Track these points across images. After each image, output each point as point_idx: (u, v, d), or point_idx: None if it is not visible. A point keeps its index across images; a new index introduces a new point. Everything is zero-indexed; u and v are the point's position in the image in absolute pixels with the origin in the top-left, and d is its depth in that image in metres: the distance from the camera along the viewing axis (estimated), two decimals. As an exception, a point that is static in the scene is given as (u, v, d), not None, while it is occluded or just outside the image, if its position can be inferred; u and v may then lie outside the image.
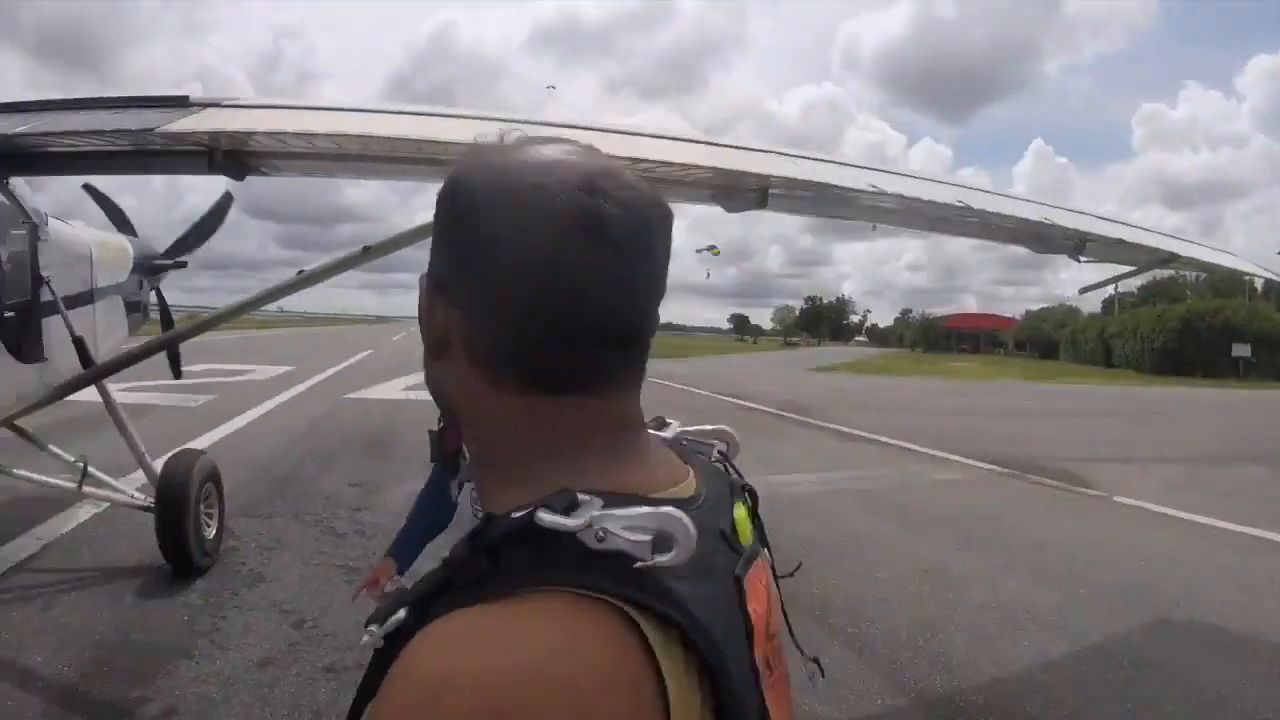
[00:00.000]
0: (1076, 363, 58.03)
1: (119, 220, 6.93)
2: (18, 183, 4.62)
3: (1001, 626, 4.74)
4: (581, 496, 0.56)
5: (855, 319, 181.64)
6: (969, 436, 12.98)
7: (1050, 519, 7.78)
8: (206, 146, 3.44)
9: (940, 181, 3.70)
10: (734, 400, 18.24)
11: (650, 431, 0.77)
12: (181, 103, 3.56)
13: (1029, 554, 6.36)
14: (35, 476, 5.09)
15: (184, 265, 7.25)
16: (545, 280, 0.61)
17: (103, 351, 5.47)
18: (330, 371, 20.48)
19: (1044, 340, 77.88)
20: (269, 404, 12.30)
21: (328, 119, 3.53)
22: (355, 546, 5.69)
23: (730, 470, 0.81)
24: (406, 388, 14.85)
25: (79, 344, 4.79)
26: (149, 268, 6.79)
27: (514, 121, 3.82)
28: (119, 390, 5.78)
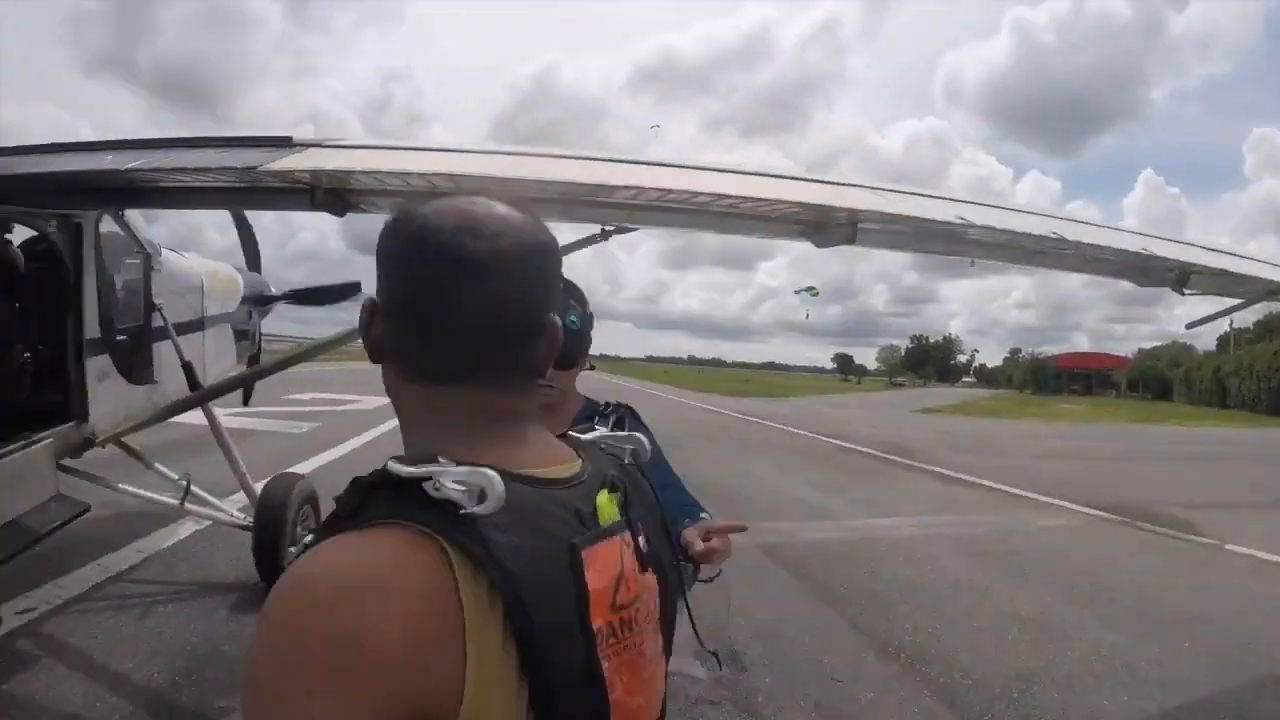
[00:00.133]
0: (1190, 403, 55.40)
1: (253, 253, 7.34)
2: (133, 215, 4.91)
3: (1100, 680, 4.53)
4: (442, 460, 0.76)
5: (962, 359, 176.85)
6: (1075, 481, 12.53)
7: (1157, 568, 7.43)
8: (309, 184, 3.55)
9: (1034, 213, 3.58)
10: (835, 441, 17.97)
11: (572, 429, 1.04)
12: (286, 143, 3.70)
13: (1132, 604, 6.08)
14: (140, 492, 5.30)
15: (290, 295, 7.60)
16: (422, 296, 0.84)
17: (210, 376, 5.73)
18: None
19: (1157, 380, 74.70)
20: (371, 433, 12.61)
21: (422, 159, 3.62)
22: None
23: (639, 469, 1.01)
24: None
25: (187, 368, 5.01)
26: (259, 299, 7.12)
27: (594, 159, 3.88)
28: (225, 415, 6.01)
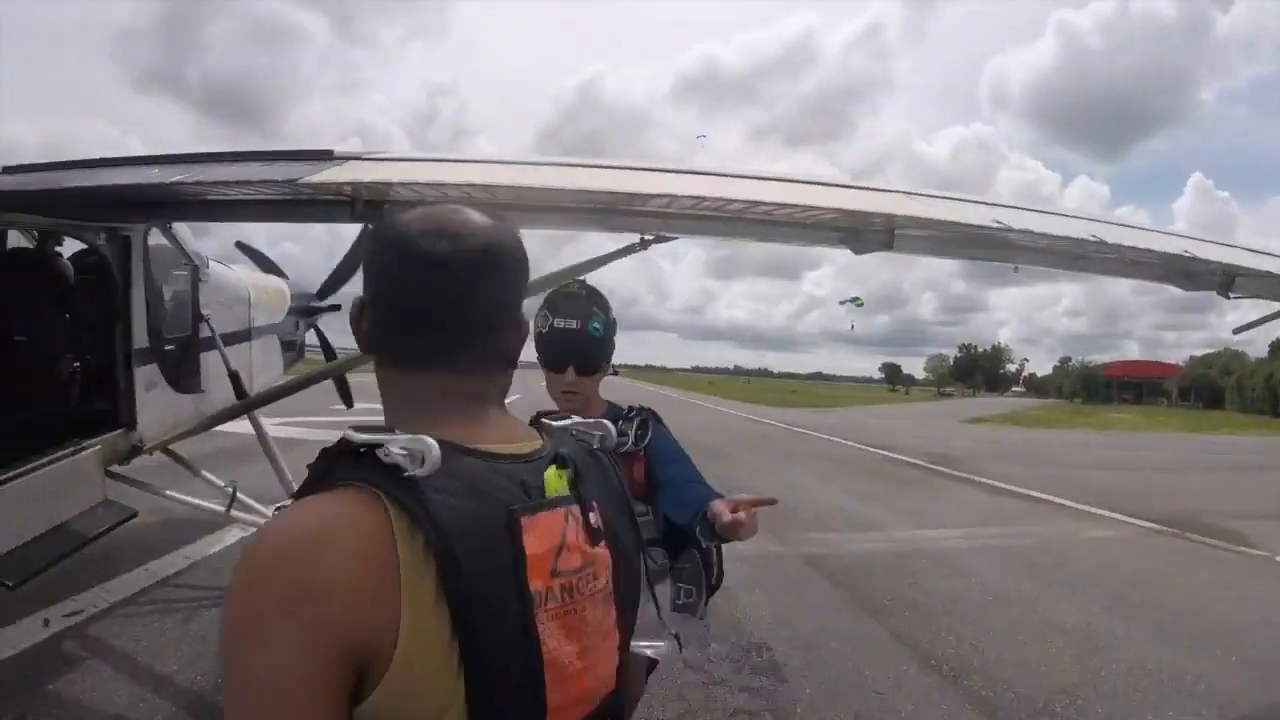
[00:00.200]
0: (1243, 412, 53.88)
1: (272, 270, 7.47)
2: (180, 228, 5.02)
3: (1145, 695, 4.41)
4: (397, 431, 0.86)
5: (1011, 368, 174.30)
6: (1124, 492, 12.24)
7: (1206, 580, 7.21)
8: (349, 196, 3.59)
9: (1073, 216, 3.49)
10: (882, 452, 17.74)
11: (548, 413, 1.18)
12: (327, 156, 3.76)
13: (1181, 618, 5.90)
14: (187, 499, 5.42)
15: (338, 308, 7.72)
16: (394, 291, 0.99)
17: (257, 385, 5.84)
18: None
19: (1209, 388, 72.93)
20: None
21: (459, 170, 3.66)
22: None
23: (602, 451, 1.10)
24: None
25: (234, 377, 5.11)
26: (305, 310, 7.25)
27: (630, 168, 3.88)
28: (271, 424, 6.11)
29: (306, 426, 12.13)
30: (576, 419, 1.13)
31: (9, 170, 3.91)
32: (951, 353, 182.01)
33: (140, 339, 4.79)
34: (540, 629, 0.88)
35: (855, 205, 3.28)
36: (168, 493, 5.36)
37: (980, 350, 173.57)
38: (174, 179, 3.47)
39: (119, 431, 4.70)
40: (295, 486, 5.43)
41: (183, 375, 5.23)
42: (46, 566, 3.80)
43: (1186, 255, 3.24)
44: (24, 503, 3.88)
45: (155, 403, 4.93)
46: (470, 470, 0.88)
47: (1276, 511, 10.97)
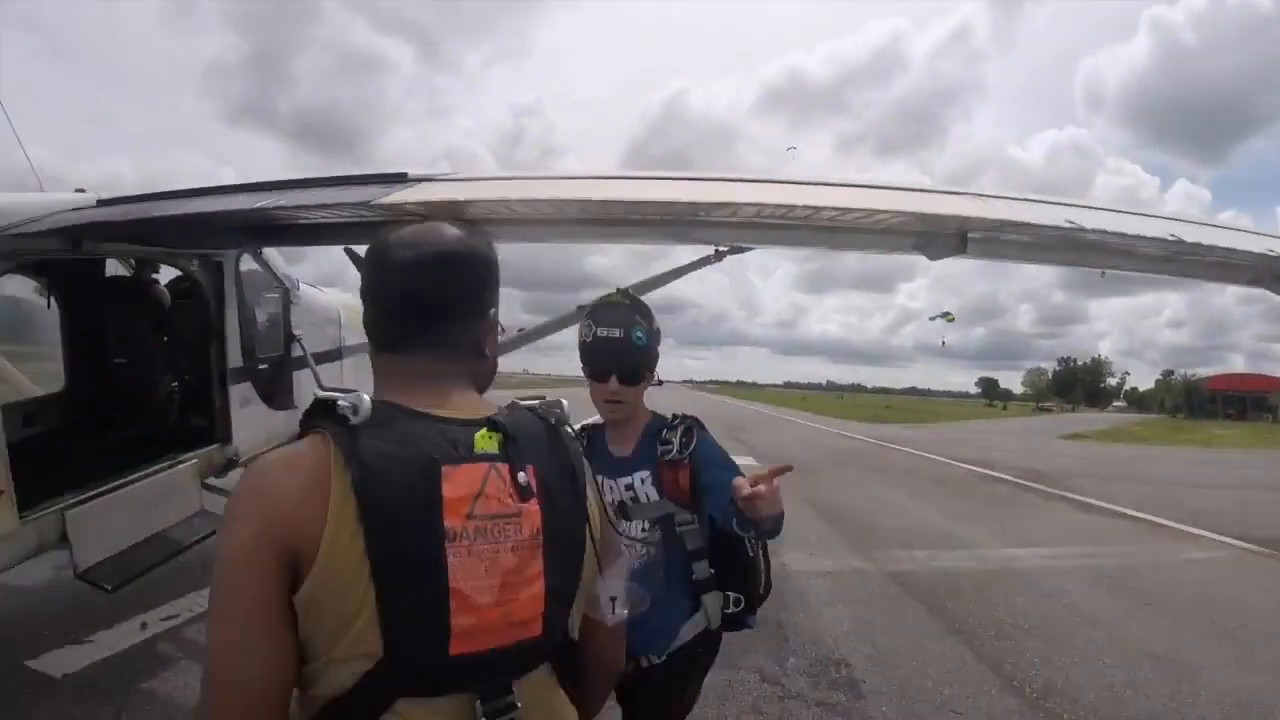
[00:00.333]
0: (1355, 427, 50.22)
1: None
2: (270, 253, 5.27)
3: (1233, 725, 4.16)
4: (363, 395, 1.10)
5: (1112, 382, 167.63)
6: (1224, 512, 11.54)
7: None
8: (422, 216, 3.67)
9: (1150, 215, 3.31)
10: (973, 468, 17.21)
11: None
12: (401, 178, 3.86)
13: (1278, 645, 5.53)
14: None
15: None
16: (372, 290, 1.25)
17: (349, 402, 6.07)
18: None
19: (1320, 401, 68.54)
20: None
21: (526, 186, 3.69)
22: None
23: (561, 428, 1.28)
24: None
25: (325, 394, 5.32)
26: None
27: (698, 179, 3.88)
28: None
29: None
30: (550, 399, 1.32)
31: (103, 203, 4.12)
32: (1050, 366, 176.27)
33: (234, 359, 5.04)
34: (449, 559, 1.07)
35: (926, 208, 3.20)
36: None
37: (1080, 364, 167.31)
38: (256, 205, 3.63)
39: (214, 446, 4.95)
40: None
41: (276, 392, 5.46)
42: (144, 571, 4.01)
43: (1272, 255, 3.04)
44: (125, 512, 4.11)
45: (249, 419, 5.17)
46: (406, 426, 1.12)
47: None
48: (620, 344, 2.28)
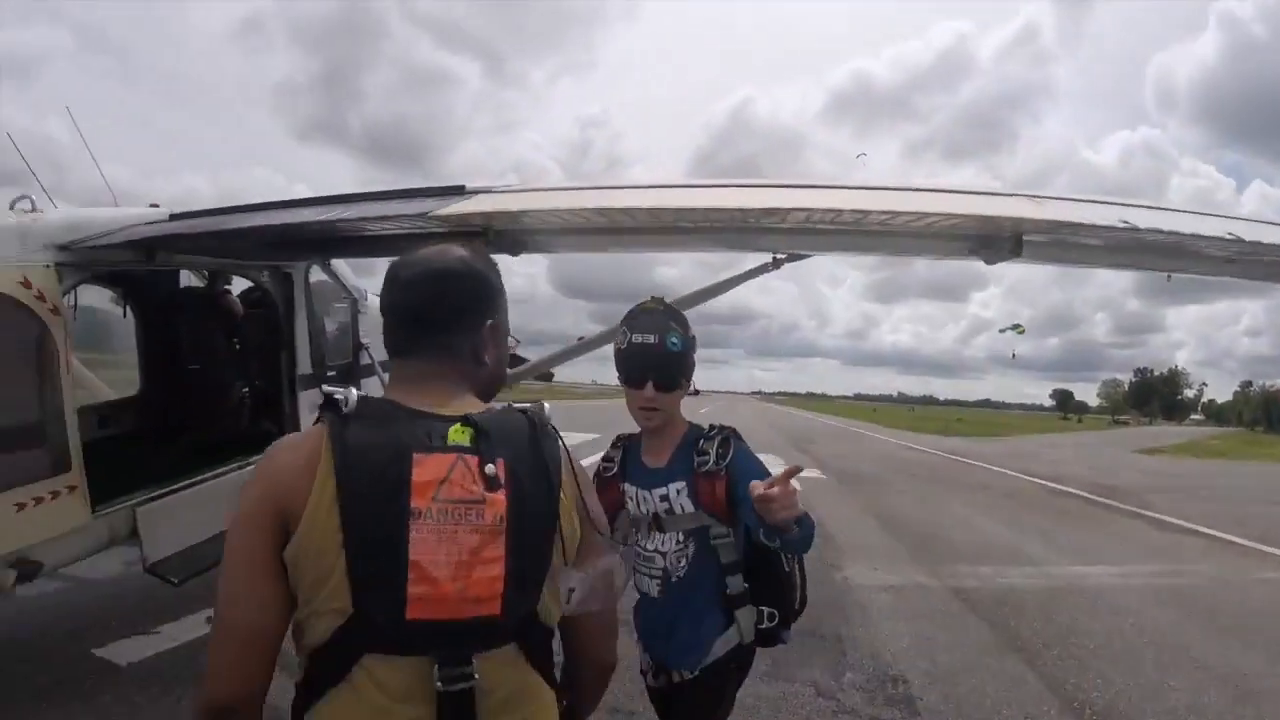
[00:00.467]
0: None
1: None
2: (339, 264, 5.44)
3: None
4: (353, 390, 1.30)
5: (1190, 394, 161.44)
6: (1302, 530, 11.00)
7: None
8: (481, 227, 3.75)
9: (1207, 214, 3.19)
10: (1044, 482, 16.80)
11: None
12: (459, 191, 3.95)
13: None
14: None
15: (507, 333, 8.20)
16: (383, 303, 1.44)
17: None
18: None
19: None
20: (584, 462, 13.19)
21: (581, 197, 3.71)
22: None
23: (543, 425, 1.40)
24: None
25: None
26: None
27: (750, 186, 3.88)
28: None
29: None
30: (534, 404, 1.44)
31: (175, 217, 4.31)
32: (1126, 378, 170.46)
33: (304, 366, 5.21)
34: (411, 534, 1.22)
35: (978, 210, 3.14)
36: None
37: (1156, 375, 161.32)
38: (320, 218, 3.76)
39: (284, 449, 5.11)
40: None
41: (344, 399, 5.63)
42: (210, 566, 4.14)
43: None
44: (194, 509, 4.29)
45: (317, 424, 5.33)
46: (391, 419, 1.30)
47: None
48: (655, 349, 2.26)
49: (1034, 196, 3.24)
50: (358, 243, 4.28)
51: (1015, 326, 68.17)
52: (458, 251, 1.46)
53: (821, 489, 13.51)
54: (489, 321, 1.45)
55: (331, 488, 1.22)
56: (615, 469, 2.44)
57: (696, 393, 2.46)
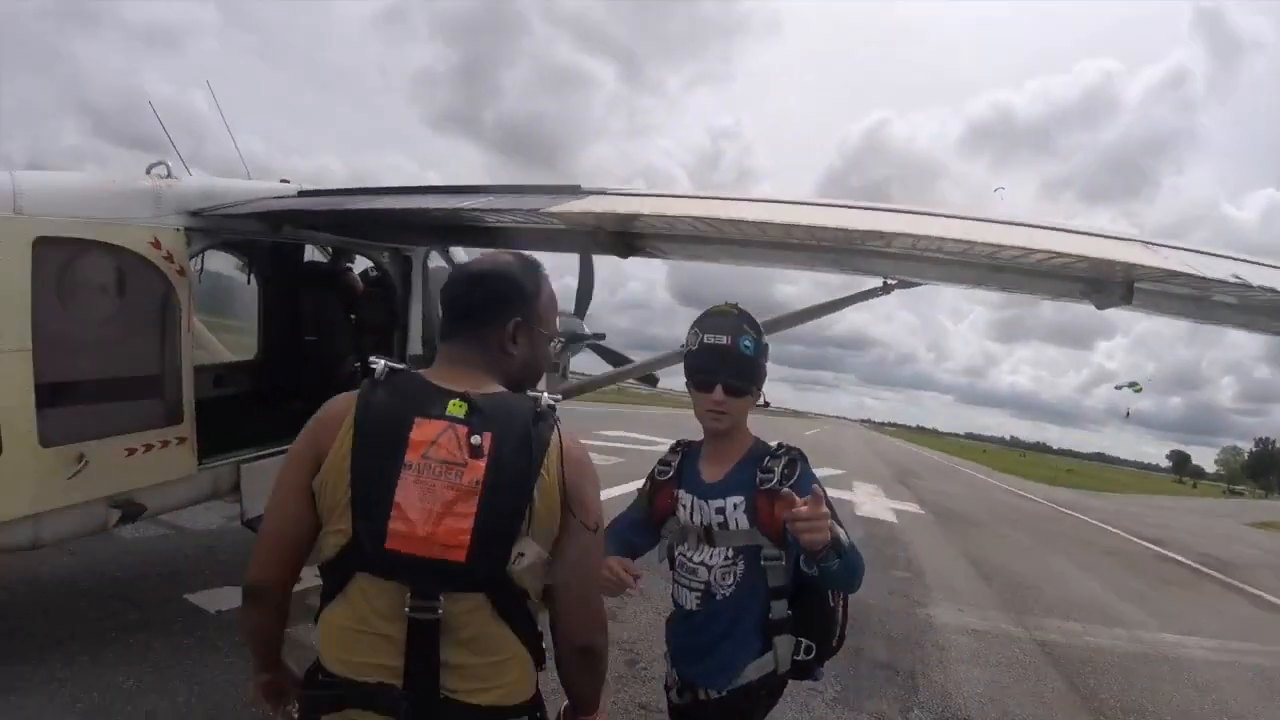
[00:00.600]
0: None
1: (584, 296, 8.28)
2: (456, 252, 5.67)
3: None
4: (384, 361, 1.61)
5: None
6: None
7: None
8: (591, 227, 3.85)
9: None
10: (1148, 545, 16.04)
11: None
12: (574, 190, 4.04)
13: None
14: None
15: (602, 337, 8.43)
16: (440, 295, 1.79)
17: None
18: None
19: None
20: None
21: (693, 205, 3.72)
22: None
23: (542, 407, 1.62)
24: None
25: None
26: (571, 337, 7.94)
27: (868, 209, 3.87)
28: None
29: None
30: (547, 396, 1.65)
31: (304, 194, 4.55)
32: (1247, 446, 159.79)
33: (415, 346, 5.42)
34: (400, 481, 1.49)
35: (1087, 251, 3.06)
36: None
37: (1279, 446, 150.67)
38: (439, 206, 3.93)
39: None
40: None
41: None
42: None
43: None
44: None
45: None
46: (410, 388, 1.60)
47: None
48: (727, 350, 2.19)
49: (1148, 243, 3.14)
50: (474, 233, 4.41)
51: (1132, 384, 64.50)
52: (504, 258, 1.79)
53: (919, 525, 13.32)
54: (516, 319, 1.71)
55: (351, 436, 1.54)
56: (671, 473, 2.39)
57: (766, 404, 2.40)
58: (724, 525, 2.22)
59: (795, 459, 2.20)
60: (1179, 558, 14.57)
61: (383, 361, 1.61)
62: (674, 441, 2.51)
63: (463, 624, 1.52)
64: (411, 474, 1.50)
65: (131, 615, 4.43)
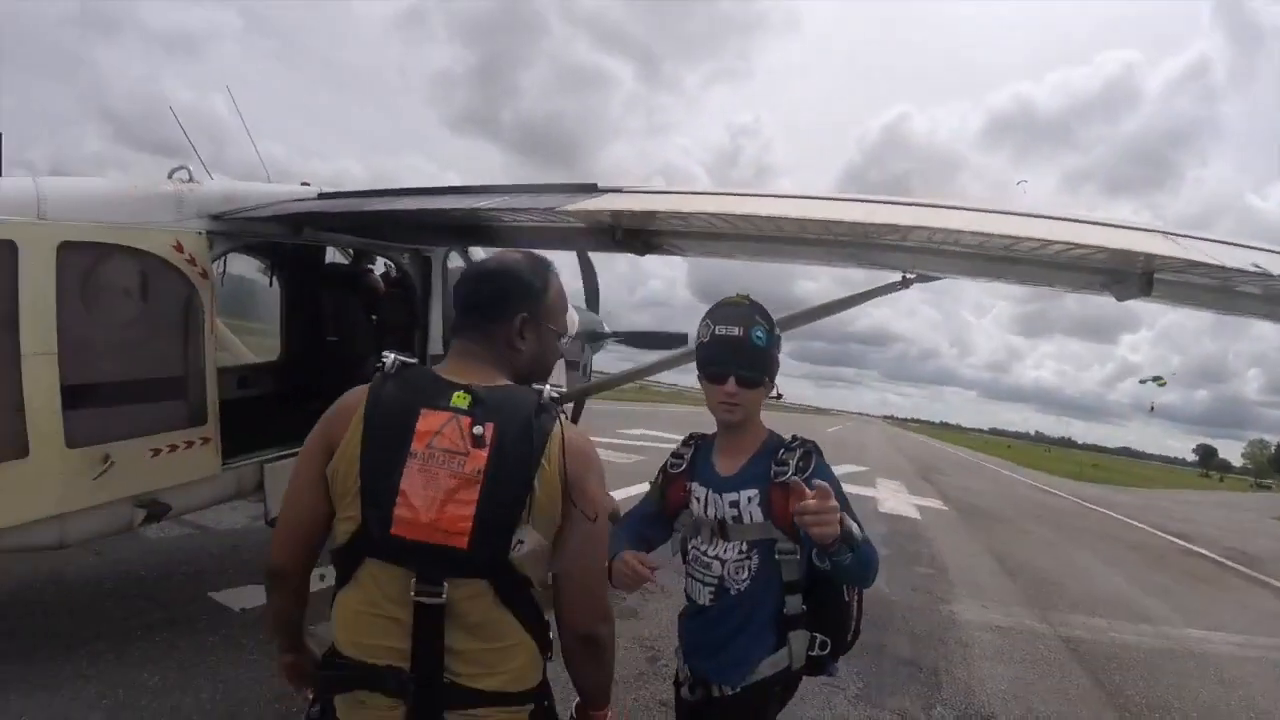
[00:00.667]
0: None
1: (592, 294, 8.30)
2: (476, 252, 5.70)
3: None
4: (391, 355, 1.70)
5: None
6: None
7: None
8: (609, 224, 3.86)
9: None
10: (1173, 540, 15.86)
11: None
12: (591, 188, 4.05)
13: None
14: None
15: (621, 336, 8.45)
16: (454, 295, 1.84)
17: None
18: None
19: None
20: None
21: (706, 201, 3.73)
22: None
23: (545, 401, 1.67)
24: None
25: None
26: (592, 335, 7.96)
27: (883, 202, 3.86)
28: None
29: (597, 447, 12.94)
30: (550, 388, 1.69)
31: (324, 196, 4.58)
32: (1275, 439, 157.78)
33: (435, 346, 5.46)
34: (405, 469, 1.56)
35: (1106, 242, 3.02)
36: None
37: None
38: (457, 206, 3.95)
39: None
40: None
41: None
42: None
43: None
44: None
45: (446, 400, 5.61)
46: (417, 380, 1.67)
47: None
48: (740, 341, 2.17)
49: (1168, 233, 3.10)
50: (492, 232, 4.43)
51: (1156, 378, 63.46)
52: (513, 256, 1.85)
53: (942, 521, 13.25)
54: (523, 315, 1.76)
55: (361, 427, 1.61)
56: (684, 466, 2.38)
57: (779, 397, 2.37)
58: (738, 519, 2.20)
59: (810, 451, 2.18)
60: (1205, 552, 14.42)
61: (393, 355, 1.68)
62: (687, 434, 2.50)
63: (466, 609, 1.57)
64: (416, 462, 1.56)
65: (156, 614, 4.50)
